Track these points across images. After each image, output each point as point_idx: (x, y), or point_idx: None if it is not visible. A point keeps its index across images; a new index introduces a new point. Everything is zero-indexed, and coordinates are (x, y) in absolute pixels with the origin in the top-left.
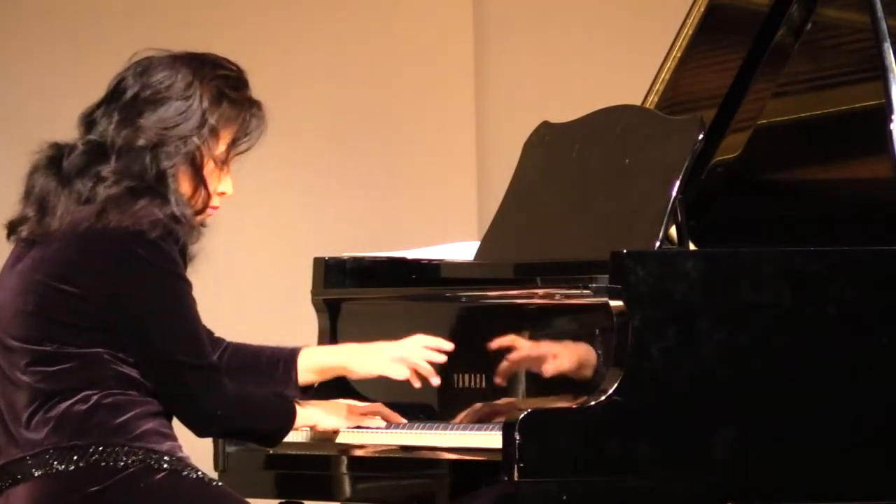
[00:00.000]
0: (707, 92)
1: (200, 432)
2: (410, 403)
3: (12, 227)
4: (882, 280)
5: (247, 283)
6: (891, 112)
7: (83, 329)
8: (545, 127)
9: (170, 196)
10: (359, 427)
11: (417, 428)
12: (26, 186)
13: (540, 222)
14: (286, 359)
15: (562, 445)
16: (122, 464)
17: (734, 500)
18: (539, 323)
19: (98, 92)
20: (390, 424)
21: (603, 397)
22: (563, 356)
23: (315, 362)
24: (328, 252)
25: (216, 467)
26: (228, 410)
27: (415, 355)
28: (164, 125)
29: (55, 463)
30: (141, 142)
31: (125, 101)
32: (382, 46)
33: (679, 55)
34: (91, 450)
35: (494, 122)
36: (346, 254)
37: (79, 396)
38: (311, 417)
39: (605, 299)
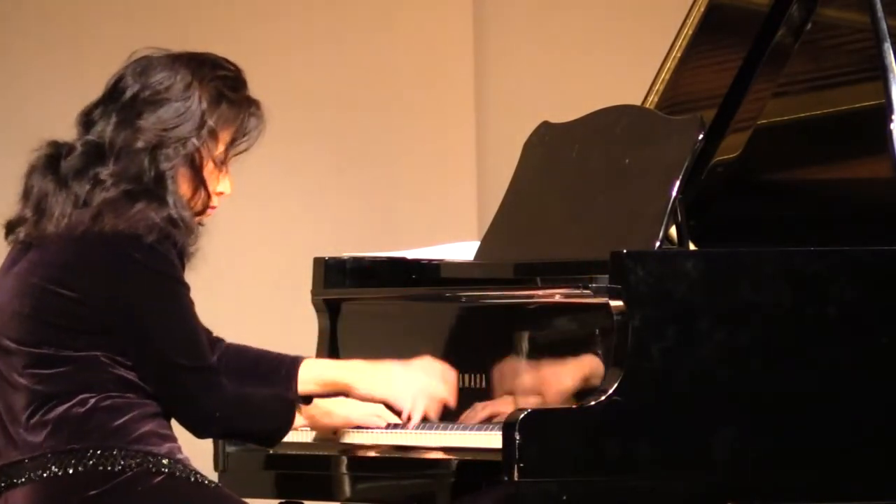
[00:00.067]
0: (707, 92)
1: (200, 433)
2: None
3: (10, 227)
4: (882, 280)
5: (247, 283)
6: (891, 112)
7: (80, 332)
8: (545, 127)
9: (168, 198)
10: (359, 427)
11: (417, 428)
12: (25, 186)
13: (540, 222)
14: (287, 368)
15: (562, 445)
16: (119, 468)
17: (734, 500)
18: (539, 323)
19: (98, 91)
20: (390, 424)
21: (603, 397)
22: (562, 356)
23: (317, 375)
24: (328, 252)
25: (216, 467)
26: (227, 411)
27: (420, 392)
28: (163, 126)
29: (53, 467)
30: (139, 143)
31: (124, 101)
32: (382, 46)
33: (679, 55)
34: (89, 454)
35: (494, 122)
36: (346, 254)
37: (76, 399)
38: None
39: (605, 299)
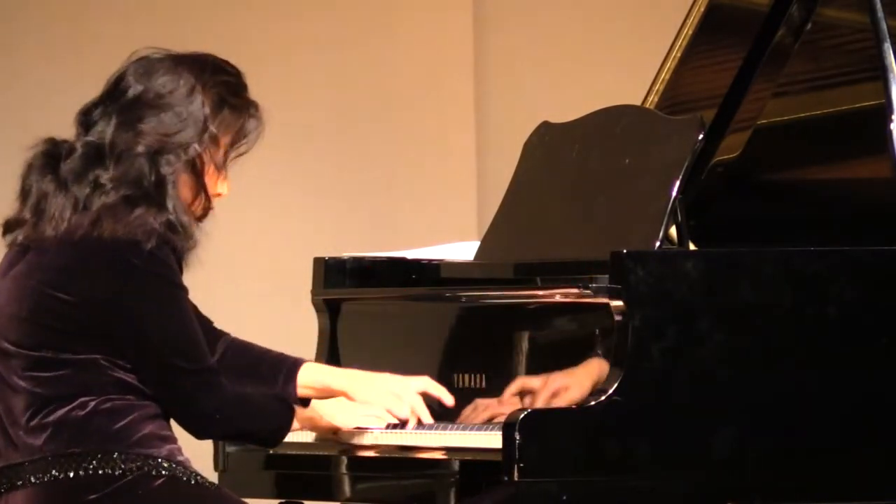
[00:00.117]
0: (707, 92)
1: (199, 434)
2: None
3: (8, 227)
4: (882, 280)
5: (247, 283)
6: (891, 112)
7: (79, 335)
8: (545, 127)
9: (168, 203)
10: (359, 427)
11: (417, 428)
12: (23, 185)
13: (540, 222)
14: (287, 371)
15: (562, 445)
16: (119, 471)
17: (734, 500)
18: (539, 323)
19: (98, 92)
20: (390, 424)
21: (603, 397)
22: (562, 356)
23: (316, 380)
24: (328, 252)
25: (216, 467)
26: (227, 412)
27: (414, 395)
28: (165, 131)
29: (54, 470)
30: (140, 148)
31: (125, 102)
32: (382, 46)
33: (679, 55)
34: (89, 457)
35: (494, 122)
36: (346, 254)
37: (76, 402)
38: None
39: (605, 299)
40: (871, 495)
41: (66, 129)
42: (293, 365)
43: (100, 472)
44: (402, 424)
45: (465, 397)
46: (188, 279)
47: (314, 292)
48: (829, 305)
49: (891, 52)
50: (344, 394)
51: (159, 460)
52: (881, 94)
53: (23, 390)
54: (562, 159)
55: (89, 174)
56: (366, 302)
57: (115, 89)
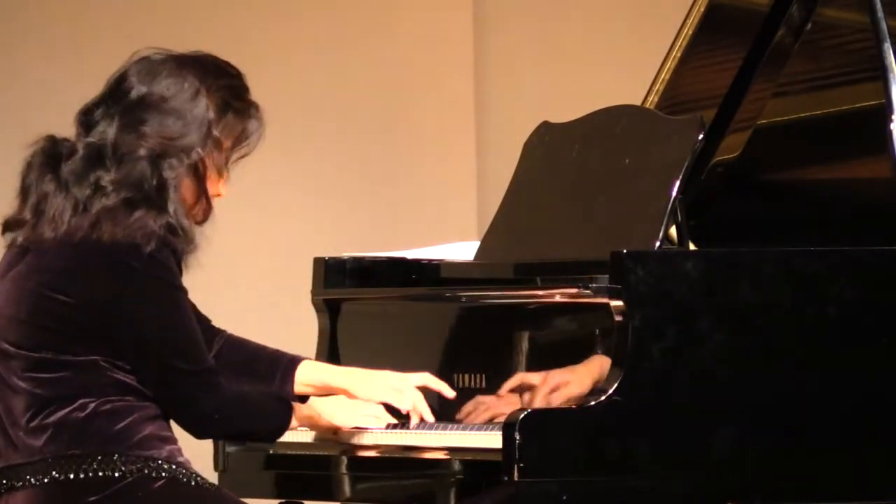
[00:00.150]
0: (707, 92)
1: (199, 434)
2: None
3: (7, 226)
4: (882, 280)
5: (247, 283)
6: (891, 112)
7: (78, 337)
8: (545, 127)
9: (169, 206)
10: (359, 427)
11: (417, 428)
12: (23, 184)
13: (540, 222)
14: (284, 368)
15: (562, 445)
16: (120, 473)
17: (734, 500)
18: (539, 323)
19: (98, 91)
20: (390, 424)
21: (603, 397)
22: (562, 356)
23: (315, 379)
24: (328, 252)
25: (216, 467)
26: (227, 412)
27: (414, 390)
28: (169, 135)
29: (54, 472)
30: (143, 151)
31: (128, 103)
32: (382, 46)
33: (679, 55)
34: (89, 459)
35: (494, 122)
36: (346, 254)
37: (76, 404)
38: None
39: (605, 299)
40: (871, 495)
41: (66, 130)
42: (290, 363)
43: (100, 473)
44: (403, 424)
45: (465, 397)
46: (188, 280)
47: (314, 292)
48: (829, 305)
49: (891, 52)
50: (344, 391)
51: (159, 462)
52: (881, 94)
53: (23, 391)
54: (562, 159)
55: (90, 176)
56: (366, 302)
57: (117, 90)
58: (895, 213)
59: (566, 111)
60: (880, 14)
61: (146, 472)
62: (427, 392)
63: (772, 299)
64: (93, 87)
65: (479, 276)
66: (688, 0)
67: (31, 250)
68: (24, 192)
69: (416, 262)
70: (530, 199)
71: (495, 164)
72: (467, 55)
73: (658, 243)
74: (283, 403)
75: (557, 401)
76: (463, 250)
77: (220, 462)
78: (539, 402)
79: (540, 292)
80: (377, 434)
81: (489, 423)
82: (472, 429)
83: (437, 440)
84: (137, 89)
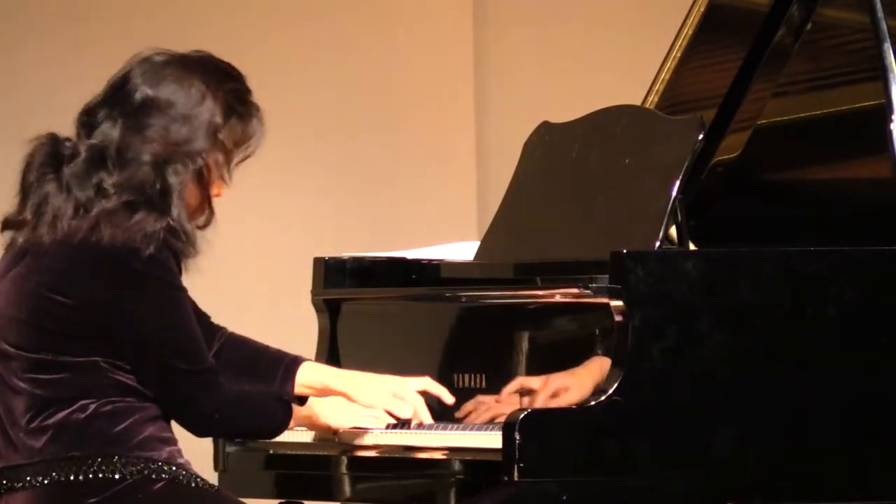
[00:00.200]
0: (707, 92)
1: (199, 434)
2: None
3: (6, 225)
4: (882, 280)
5: (247, 283)
6: (891, 112)
7: (78, 338)
8: (545, 127)
9: (173, 211)
10: (358, 427)
11: (417, 428)
12: (23, 183)
13: (540, 222)
14: (285, 369)
15: (562, 445)
16: (119, 475)
17: (734, 500)
18: (539, 323)
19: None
20: (390, 424)
21: (603, 397)
22: (562, 356)
23: (315, 380)
24: (328, 252)
25: (216, 467)
26: (227, 412)
27: (414, 395)
28: (174, 140)
29: (54, 473)
30: (147, 156)
31: (132, 106)
32: (382, 46)
33: (679, 55)
34: (90, 461)
35: (494, 122)
36: (346, 254)
37: (77, 405)
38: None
39: (605, 299)
40: (871, 495)
41: (66, 130)
42: (291, 363)
43: (100, 475)
44: (402, 424)
45: (465, 397)
46: (189, 280)
47: (314, 292)
48: (829, 305)
49: (891, 52)
50: (344, 395)
51: (159, 463)
52: (881, 94)
53: (23, 392)
54: (562, 159)
55: (92, 178)
56: (366, 302)
57: (121, 92)
58: (895, 213)
59: (566, 111)
60: (880, 14)
61: (146, 473)
62: (426, 395)
63: (772, 299)
64: (93, 88)
65: (479, 276)
66: (688, 0)
67: (31, 251)
68: (25, 192)
69: (416, 262)
70: (530, 199)
71: (495, 164)
72: (467, 55)
73: (658, 243)
74: (282, 403)
75: (560, 403)
76: (463, 250)
77: (220, 462)
78: (541, 402)
79: (540, 292)
80: (377, 434)
81: (489, 423)
82: (472, 429)
83: (437, 440)
84: (142, 92)
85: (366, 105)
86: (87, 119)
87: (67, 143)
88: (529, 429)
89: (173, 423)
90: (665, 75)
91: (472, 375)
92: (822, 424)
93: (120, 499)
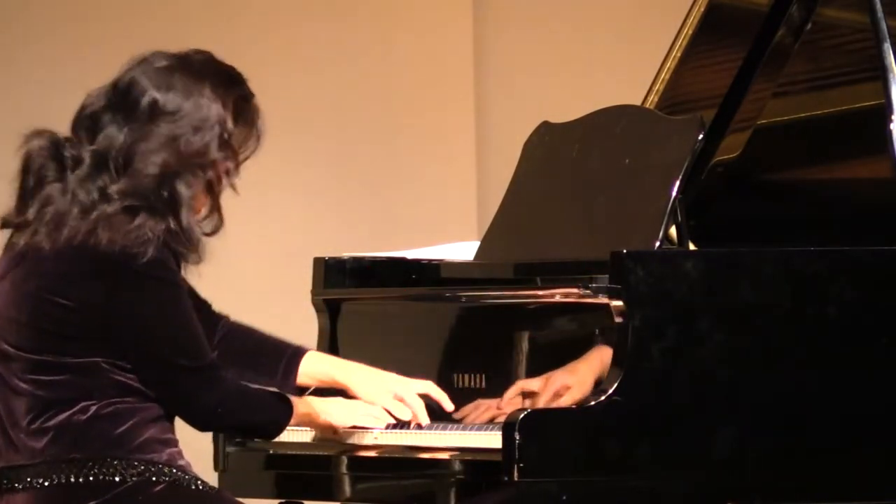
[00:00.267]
0: (707, 92)
1: (202, 428)
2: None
3: (6, 225)
4: (882, 280)
5: (247, 283)
6: (891, 112)
7: (79, 339)
8: (545, 127)
9: (182, 219)
10: (357, 426)
11: (417, 428)
12: (24, 184)
13: (540, 222)
14: (289, 359)
15: (562, 445)
16: (120, 477)
17: (734, 500)
18: (539, 323)
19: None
20: (390, 424)
21: (603, 397)
22: (562, 356)
23: (319, 370)
24: (328, 252)
25: (216, 467)
26: (229, 406)
27: (415, 397)
28: (187, 151)
29: (55, 475)
30: (154, 166)
31: (139, 112)
32: (382, 46)
33: (679, 55)
34: (90, 463)
35: (494, 122)
36: (346, 254)
37: (78, 407)
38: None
39: (605, 299)
40: (871, 495)
41: (66, 129)
42: (294, 353)
43: (101, 477)
44: (402, 424)
45: (465, 397)
46: (189, 279)
47: (314, 292)
48: (829, 305)
49: (891, 52)
50: (345, 387)
51: (160, 466)
52: (881, 94)
53: (24, 392)
54: (562, 159)
55: (97, 183)
56: (366, 302)
57: (128, 97)
58: (895, 213)
59: (566, 111)
60: (880, 14)
61: (147, 476)
62: (427, 398)
63: (772, 299)
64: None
65: (479, 276)
66: (688, 0)
67: (31, 253)
68: (25, 193)
69: (416, 262)
70: (530, 199)
71: (495, 164)
72: (467, 55)
73: (658, 243)
74: (283, 399)
75: (563, 404)
76: (463, 250)
77: (220, 462)
78: (543, 405)
79: (540, 292)
80: (377, 434)
81: (489, 423)
82: (472, 429)
83: (436, 440)
84: (149, 98)
85: (366, 105)
86: (91, 123)
87: (69, 147)
88: (529, 429)
89: (175, 420)
90: (665, 75)
91: (472, 375)
92: (822, 424)
93: (120, 501)
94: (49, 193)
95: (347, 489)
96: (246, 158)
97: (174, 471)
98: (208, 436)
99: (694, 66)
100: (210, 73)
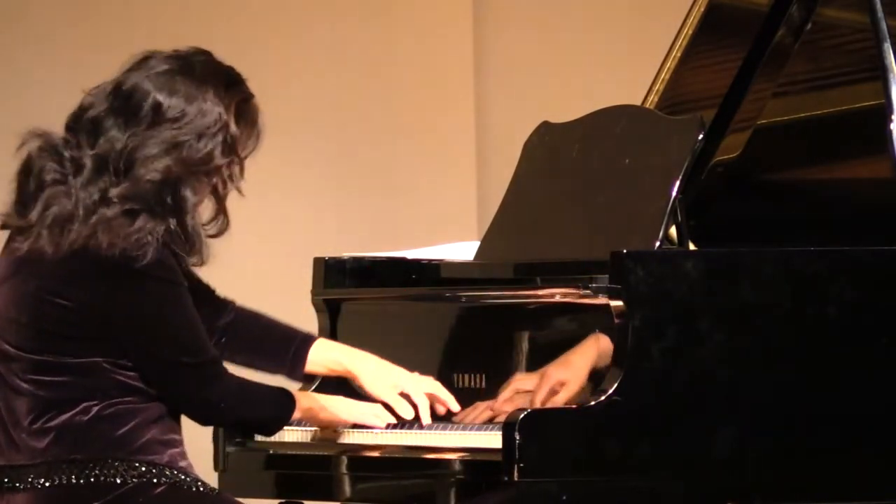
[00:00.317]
0: (707, 92)
1: (204, 423)
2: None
3: (6, 226)
4: (882, 280)
5: (247, 283)
6: (891, 112)
7: (80, 339)
8: (545, 127)
9: (188, 223)
10: (358, 427)
11: (417, 428)
12: (23, 187)
13: (540, 222)
14: (298, 346)
15: (562, 445)
16: (121, 479)
17: (734, 500)
18: (539, 323)
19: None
20: (390, 424)
21: (603, 397)
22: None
23: (328, 358)
24: (328, 252)
25: (216, 467)
26: (231, 401)
27: (421, 396)
28: (192, 158)
29: (55, 476)
30: (157, 171)
31: (141, 116)
32: (382, 46)
33: (679, 55)
34: (91, 465)
35: (494, 122)
36: (346, 254)
37: (79, 408)
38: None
39: (605, 299)
40: (871, 495)
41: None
42: (304, 341)
43: (101, 479)
44: (402, 424)
45: (465, 397)
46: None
47: (314, 292)
48: (829, 305)
49: (891, 52)
50: (354, 376)
51: (161, 467)
52: (881, 94)
53: (25, 392)
54: (562, 159)
55: (98, 186)
56: (366, 302)
57: (130, 99)
58: (895, 213)
59: (566, 111)
60: (880, 14)
61: (147, 477)
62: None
63: (772, 299)
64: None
65: (479, 276)
66: (688, 0)
67: (31, 254)
68: (24, 196)
69: (416, 262)
70: (530, 198)
71: (495, 164)
72: (467, 55)
73: (658, 243)
74: (286, 394)
75: (560, 401)
76: (463, 250)
77: (220, 462)
78: (540, 403)
79: (540, 292)
80: (377, 434)
81: (489, 423)
82: (471, 429)
83: (436, 440)
84: (152, 102)
85: (366, 105)
86: (92, 127)
87: (68, 149)
88: (529, 429)
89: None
90: (665, 75)
91: (472, 375)
92: (822, 424)
93: (121, 502)
94: (51, 197)
95: (347, 489)
96: (246, 157)
97: (175, 472)
98: (208, 436)
99: (694, 66)
100: (212, 77)
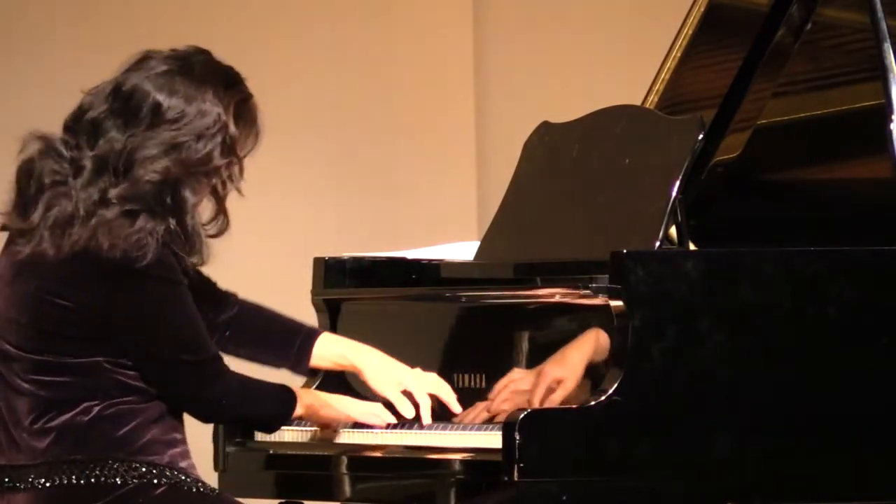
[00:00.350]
0: (707, 92)
1: (206, 420)
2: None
3: (6, 227)
4: (882, 280)
5: (247, 283)
6: (891, 112)
7: (80, 339)
8: (545, 127)
9: (188, 223)
10: (358, 427)
11: (417, 428)
12: (24, 189)
13: (540, 222)
14: (303, 339)
15: (562, 445)
16: (121, 480)
17: (734, 500)
18: (539, 323)
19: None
20: (390, 424)
21: (603, 397)
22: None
23: (332, 352)
24: (328, 252)
25: (216, 467)
26: (232, 398)
27: (424, 395)
28: (189, 158)
29: (56, 476)
30: (154, 175)
31: (141, 117)
32: (382, 46)
33: (679, 55)
34: (91, 464)
35: (494, 122)
36: (346, 254)
37: (80, 408)
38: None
39: (606, 299)
40: (871, 495)
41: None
42: (308, 335)
43: (102, 479)
44: (402, 424)
45: (465, 397)
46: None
47: (314, 292)
48: (829, 305)
49: (891, 52)
50: (358, 370)
51: (161, 468)
52: (881, 94)
53: (26, 392)
54: (562, 159)
55: (98, 188)
56: (366, 302)
57: (130, 100)
58: (895, 213)
59: (566, 111)
60: (880, 14)
61: (148, 478)
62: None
63: (772, 299)
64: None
65: (479, 276)
66: (688, 0)
67: (31, 255)
68: (25, 198)
69: (416, 262)
70: (530, 198)
71: (495, 164)
72: (467, 55)
73: (658, 243)
74: (287, 391)
75: (558, 399)
76: (463, 250)
77: (220, 462)
78: (538, 402)
79: (540, 292)
80: (377, 433)
81: (489, 423)
82: (471, 429)
83: (436, 440)
84: (152, 104)
85: (366, 105)
86: (92, 129)
87: (67, 150)
88: (529, 429)
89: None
90: (665, 75)
91: (472, 375)
92: (822, 424)
93: (121, 503)
94: (52, 198)
95: (347, 489)
96: (244, 157)
97: (175, 473)
98: (208, 436)
99: (694, 66)
100: (211, 77)
